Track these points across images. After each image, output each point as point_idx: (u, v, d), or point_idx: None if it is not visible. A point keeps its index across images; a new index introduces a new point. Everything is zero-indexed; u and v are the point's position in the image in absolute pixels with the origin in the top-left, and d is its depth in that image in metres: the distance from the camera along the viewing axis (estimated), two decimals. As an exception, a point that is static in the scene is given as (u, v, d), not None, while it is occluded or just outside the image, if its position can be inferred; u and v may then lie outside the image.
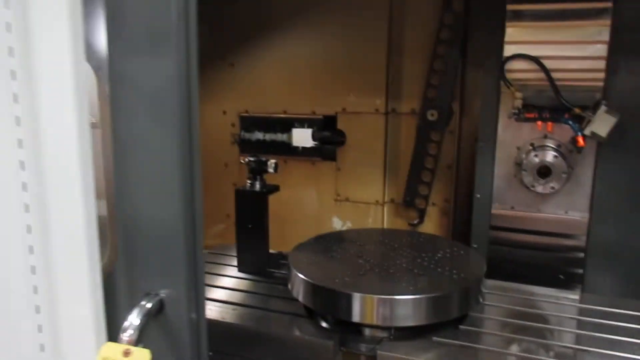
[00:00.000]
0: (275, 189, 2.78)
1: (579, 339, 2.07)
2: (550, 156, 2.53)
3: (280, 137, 3.58)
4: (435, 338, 2.07)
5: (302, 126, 3.49)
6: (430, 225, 3.46)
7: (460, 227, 3.33)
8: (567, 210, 2.64)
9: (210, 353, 1.54)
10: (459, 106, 3.15)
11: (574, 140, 2.44)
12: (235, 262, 2.83)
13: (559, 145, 2.55)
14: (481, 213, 2.84)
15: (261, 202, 2.63)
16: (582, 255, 2.66)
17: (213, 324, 2.07)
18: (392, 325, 2.06)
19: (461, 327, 2.16)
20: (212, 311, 2.33)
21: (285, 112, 3.52)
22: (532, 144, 2.60)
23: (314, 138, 3.53)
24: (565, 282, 2.70)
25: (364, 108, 3.33)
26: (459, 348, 2.01)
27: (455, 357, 1.95)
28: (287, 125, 3.51)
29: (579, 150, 2.50)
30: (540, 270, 2.73)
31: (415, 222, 3.44)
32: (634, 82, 2.44)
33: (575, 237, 2.65)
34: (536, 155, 2.55)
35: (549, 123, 2.49)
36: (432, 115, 3.16)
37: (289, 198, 3.65)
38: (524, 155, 2.60)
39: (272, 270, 2.71)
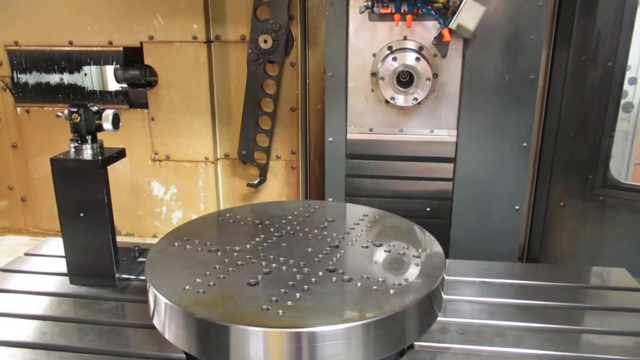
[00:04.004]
0: (118, 155, 1.88)
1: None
2: (411, 59, 2.06)
3: (69, 78, 2.69)
4: None
5: (98, 63, 2.65)
6: (276, 184, 2.86)
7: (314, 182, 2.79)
8: (432, 129, 2.20)
9: None
10: (300, 29, 2.57)
11: (439, 36, 2.01)
12: (65, 268, 1.85)
13: (420, 48, 2.10)
14: (335, 160, 2.30)
15: (97, 177, 1.79)
16: (449, 184, 2.24)
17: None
18: None
19: (416, 344, 1.47)
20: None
21: (71, 44, 2.65)
22: (389, 47, 2.11)
23: (118, 79, 2.71)
24: (432, 214, 2.28)
25: (177, 35, 2.60)
26: None
27: None
28: (76, 61, 2.67)
29: (444, 51, 2.08)
30: (405, 202, 2.28)
31: (256, 181, 2.80)
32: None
33: (442, 161, 2.23)
34: (395, 59, 2.06)
35: (409, 18, 2.03)
36: (265, 42, 2.55)
37: (89, 162, 2.78)
38: (380, 63, 2.10)
39: (124, 276, 1.87)
